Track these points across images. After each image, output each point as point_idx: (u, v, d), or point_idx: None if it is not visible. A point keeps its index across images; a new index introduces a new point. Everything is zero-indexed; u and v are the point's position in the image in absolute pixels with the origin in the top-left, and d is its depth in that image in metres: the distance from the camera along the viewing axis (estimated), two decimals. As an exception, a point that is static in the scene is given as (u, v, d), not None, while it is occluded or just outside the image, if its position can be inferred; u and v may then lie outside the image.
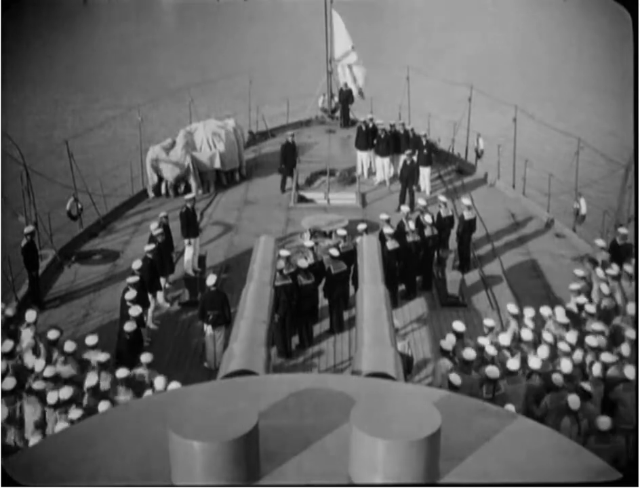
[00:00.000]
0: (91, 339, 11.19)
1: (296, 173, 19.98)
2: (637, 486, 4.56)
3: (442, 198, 16.67)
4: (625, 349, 10.81)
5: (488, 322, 11.78)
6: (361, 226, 14.66)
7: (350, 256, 13.71)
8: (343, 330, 13.73)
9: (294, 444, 4.63)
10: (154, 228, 14.61)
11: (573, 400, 9.49)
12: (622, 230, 14.71)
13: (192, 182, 19.77)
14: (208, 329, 12.68)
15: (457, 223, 16.27)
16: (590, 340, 10.91)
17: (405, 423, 4.32)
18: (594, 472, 4.57)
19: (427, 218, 15.23)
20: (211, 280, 12.82)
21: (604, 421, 9.27)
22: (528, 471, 4.50)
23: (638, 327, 10.65)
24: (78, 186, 18.00)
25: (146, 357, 10.68)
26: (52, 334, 11.31)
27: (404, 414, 4.41)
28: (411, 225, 14.81)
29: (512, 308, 12.22)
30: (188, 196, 16.26)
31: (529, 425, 5.17)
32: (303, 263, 13.40)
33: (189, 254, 15.68)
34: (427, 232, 15.05)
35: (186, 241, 15.83)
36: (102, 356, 10.62)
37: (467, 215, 16.11)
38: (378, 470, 4.23)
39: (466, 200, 16.62)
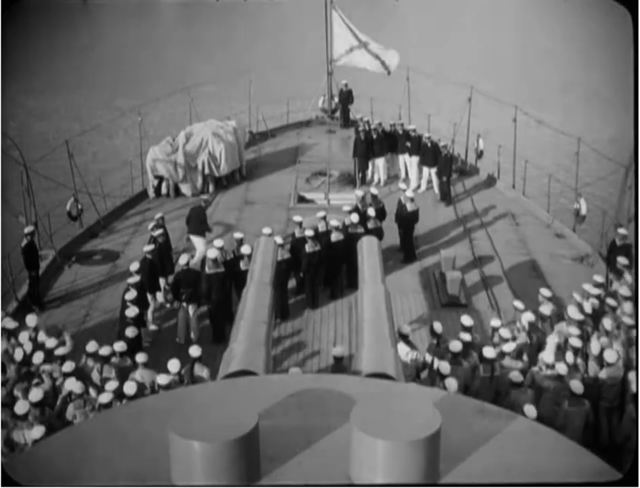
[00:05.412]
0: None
1: (296, 173, 19.97)
2: (637, 486, 4.56)
3: (402, 185, 17.25)
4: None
5: (495, 322, 11.68)
6: (320, 214, 15.07)
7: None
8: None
9: (294, 445, 4.63)
10: (150, 228, 14.86)
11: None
12: (622, 231, 14.67)
13: (188, 183, 19.78)
14: (182, 306, 13.38)
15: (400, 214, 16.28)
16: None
17: (405, 424, 4.31)
18: (594, 472, 4.56)
19: (370, 211, 15.26)
20: (183, 259, 13.57)
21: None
22: (528, 471, 4.50)
23: (638, 327, 10.64)
24: (78, 187, 18.00)
25: (141, 357, 10.61)
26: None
27: (404, 414, 4.41)
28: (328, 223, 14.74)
29: (546, 294, 12.21)
30: (204, 196, 17.82)
31: (529, 426, 5.17)
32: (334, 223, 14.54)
33: (200, 249, 15.72)
34: (370, 224, 14.94)
35: (198, 239, 16.03)
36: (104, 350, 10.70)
37: (410, 207, 16.08)
38: (378, 470, 4.23)
39: (408, 193, 16.47)
